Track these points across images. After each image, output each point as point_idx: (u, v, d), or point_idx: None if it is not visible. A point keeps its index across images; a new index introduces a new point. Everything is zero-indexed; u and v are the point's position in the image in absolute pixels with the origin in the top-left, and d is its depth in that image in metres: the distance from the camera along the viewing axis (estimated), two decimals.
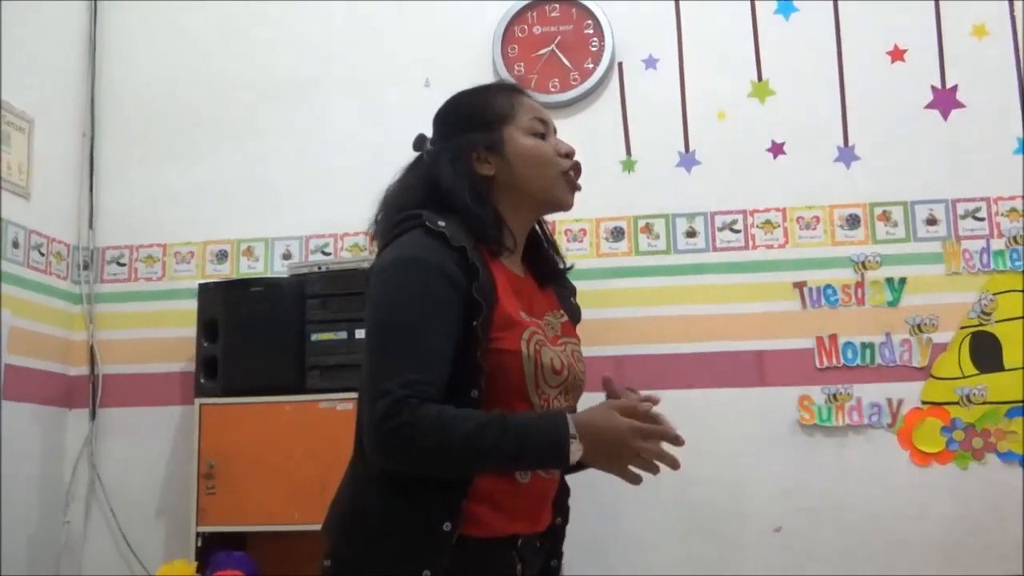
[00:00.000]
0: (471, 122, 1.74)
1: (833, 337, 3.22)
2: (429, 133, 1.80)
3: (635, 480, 1.53)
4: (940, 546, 3.07)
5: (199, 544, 3.00)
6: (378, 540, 1.57)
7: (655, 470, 1.53)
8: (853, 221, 3.29)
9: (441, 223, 1.62)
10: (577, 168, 1.77)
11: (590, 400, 1.64)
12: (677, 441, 1.52)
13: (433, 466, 1.53)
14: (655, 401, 1.62)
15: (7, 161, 3.28)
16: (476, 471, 1.56)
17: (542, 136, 1.75)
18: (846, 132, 3.33)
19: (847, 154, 3.32)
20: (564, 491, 1.79)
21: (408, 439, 1.48)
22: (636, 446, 1.51)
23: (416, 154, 1.79)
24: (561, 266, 1.87)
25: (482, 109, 1.75)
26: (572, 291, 1.92)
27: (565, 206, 1.78)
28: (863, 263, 3.25)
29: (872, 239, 3.27)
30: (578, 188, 1.78)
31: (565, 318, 1.82)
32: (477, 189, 1.69)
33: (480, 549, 1.59)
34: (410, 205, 1.70)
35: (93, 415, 3.55)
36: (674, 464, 1.52)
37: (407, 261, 1.59)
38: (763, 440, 3.21)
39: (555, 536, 1.77)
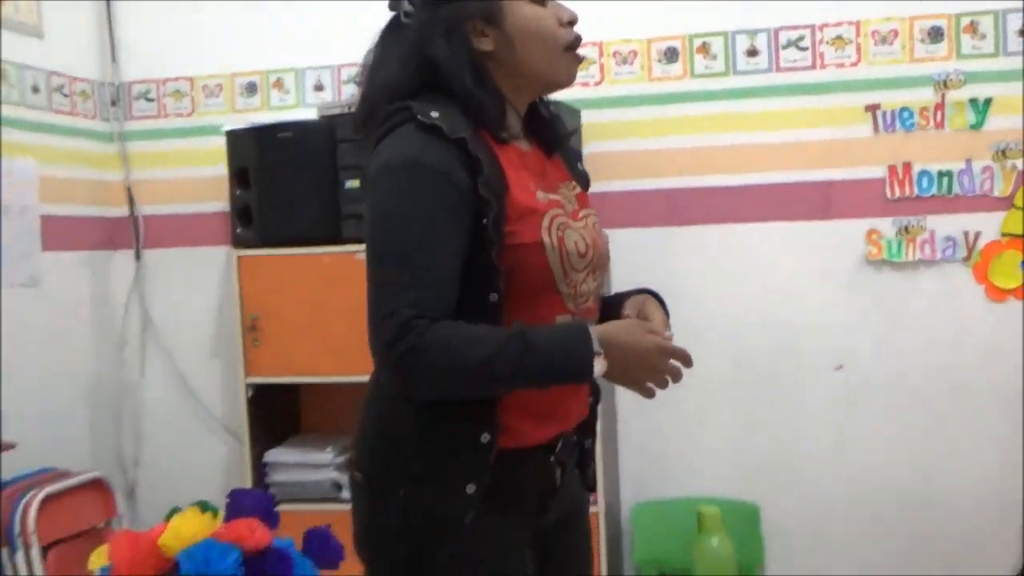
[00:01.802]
0: None
1: (907, 165, 2.96)
2: None
3: (650, 394, 1.48)
4: (1012, 385, 2.93)
5: (250, 395, 3.01)
6: (415, 460, 1.50)
7: (665, 387, 1.47)
8: (935, 34, 2.94)
9: (434, 114, 1.44)
10: (579, 38, 1.56)
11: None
12: (689, 361, 1.46)
13: (448, 391, 1.43)
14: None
15: None
16: (495, 393, 1.46)
17: (541, 3, 1.53)
18: None
19: None
20: None
21: (419, 364, 1.37)
22: (660, 365, 1.45)
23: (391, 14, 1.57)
24: (562, 132, 1.68)
25: None
26: (577, 155, 1.75)
27: (567, 85, 1.60)
28: (944, 82, 2.93)
29: (956, 55, 2.93)
30: (581, 59, 1.58)
31: (577, 188, 1.65)
32: (478, 68, 1.50)
33: (518, 460, 1.51)
34: (399, 87, 1.50)
35: (138, 256, 3.51)
36: (678, 378, 1.46)
37: (402, 164, 1.43)
38: (827, 276, 3.03)
39: (588, 419, 1.69)
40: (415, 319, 1.36)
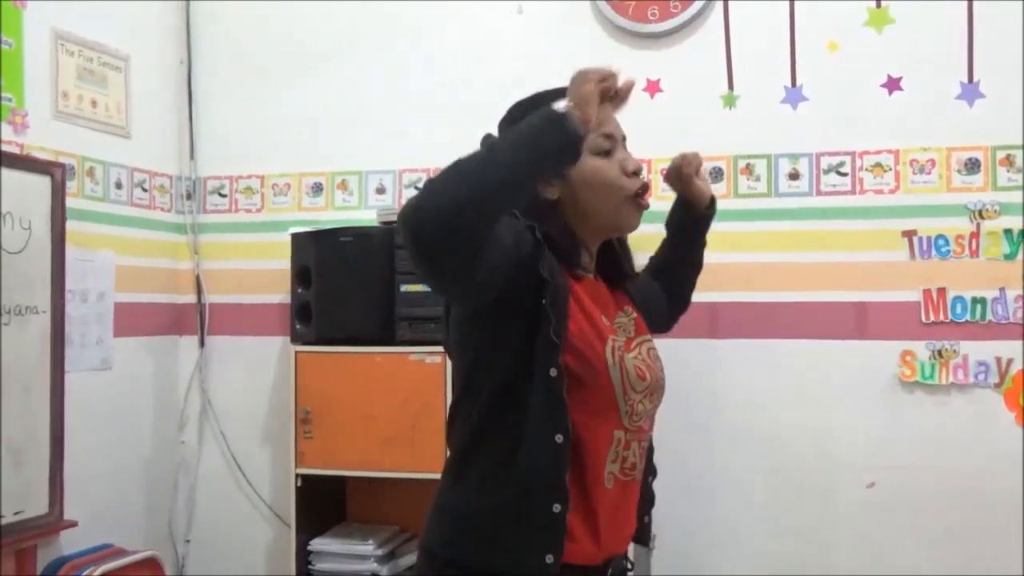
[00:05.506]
0: None
1: (942, 290, 3.05)
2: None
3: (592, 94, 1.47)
4: None
5: (298, 484, 3.14)
6: (492, 538, 1.56)
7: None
8: (972, 165, 3.05)
9: None
10: (645, 187, 1.67)
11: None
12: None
13: (450, 205, 1.36)
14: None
15: (105, 103, 3.33)
16: (490, 187, 1.40)
17: (607, 152, 1.65)
18: (971, 66, 3.05)
19: (971, 91, 3.05)
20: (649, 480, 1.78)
21: (420, 196, 1.39)
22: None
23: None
24: (628, 271, 1.82)
25: None
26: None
27: (630, 230, 1.73)
28: (980, 212, 3.03)
29: (992, 186, 3.03)
30: (646, 207, 1.69)
31: (635, 313, 1.76)
32: (545, 212, 1.64)
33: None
34: None
35: (202, 342, 3.70)
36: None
37: None
38: (860, 395, 3.11)
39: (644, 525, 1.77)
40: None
